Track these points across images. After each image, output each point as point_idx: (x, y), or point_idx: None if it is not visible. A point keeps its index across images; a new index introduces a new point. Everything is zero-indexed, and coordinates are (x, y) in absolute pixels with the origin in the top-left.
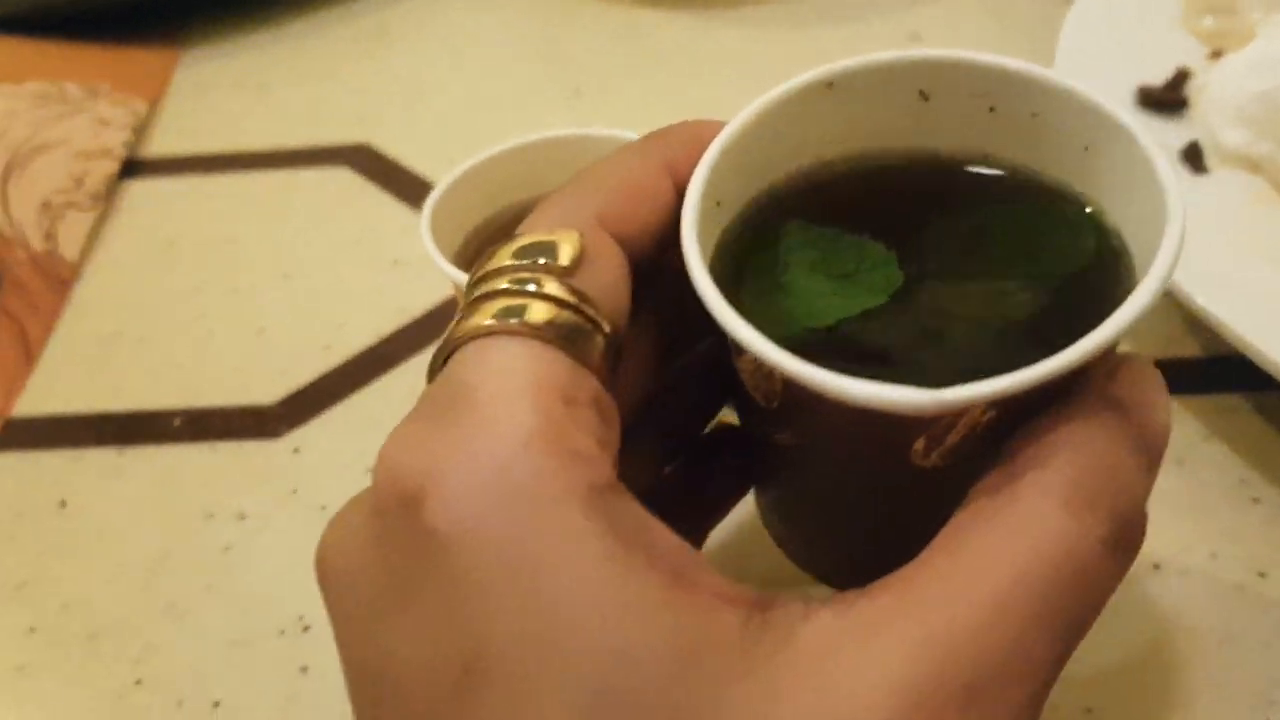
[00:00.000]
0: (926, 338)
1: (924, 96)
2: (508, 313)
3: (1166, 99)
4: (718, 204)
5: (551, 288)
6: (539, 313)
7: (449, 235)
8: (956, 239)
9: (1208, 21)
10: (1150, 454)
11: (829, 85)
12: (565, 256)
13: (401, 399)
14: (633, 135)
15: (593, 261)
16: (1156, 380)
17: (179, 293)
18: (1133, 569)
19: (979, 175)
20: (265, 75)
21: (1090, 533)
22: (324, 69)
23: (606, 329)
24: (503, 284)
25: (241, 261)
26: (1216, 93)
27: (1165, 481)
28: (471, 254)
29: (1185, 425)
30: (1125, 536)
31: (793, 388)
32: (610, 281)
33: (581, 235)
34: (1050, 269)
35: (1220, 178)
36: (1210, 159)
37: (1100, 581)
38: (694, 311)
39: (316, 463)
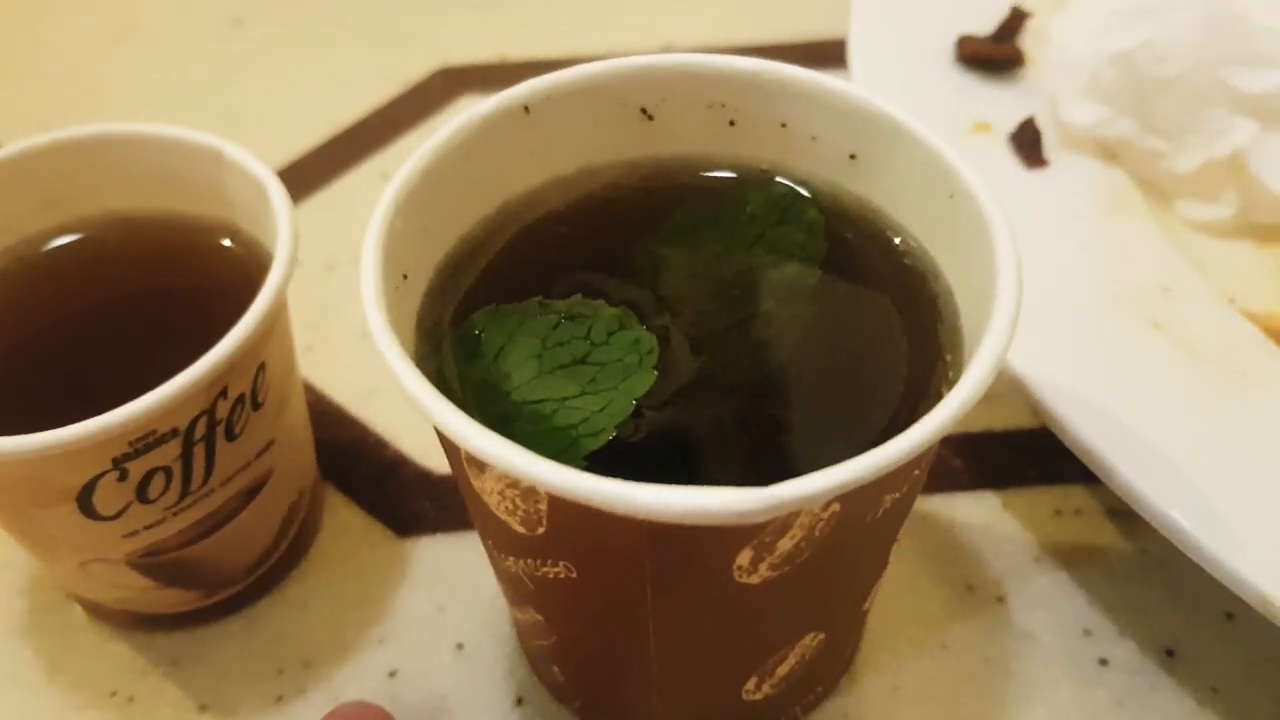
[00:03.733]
0: (721, 411)
1: (647, 115)
2: None
3: (994, 55)
4: (405, 277)
5: None
6: None
7: None
8: (691, 263)
9: None
10: None
11: (525, 109)
12: None
13: None
14: (209, 139)
15: None
16: None
17: None
18: None
19: (707, 182)
20: None
21: None
22: None
23: None
24: None
25: None
26: (1060, 52)
27: (980, 635)
28: None
29: (1016, 537)
30: None
31: (564, 509)
32: None
33: None
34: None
35: (1064, 171)
36: (1051, 143)
37: None
38: None
39: None
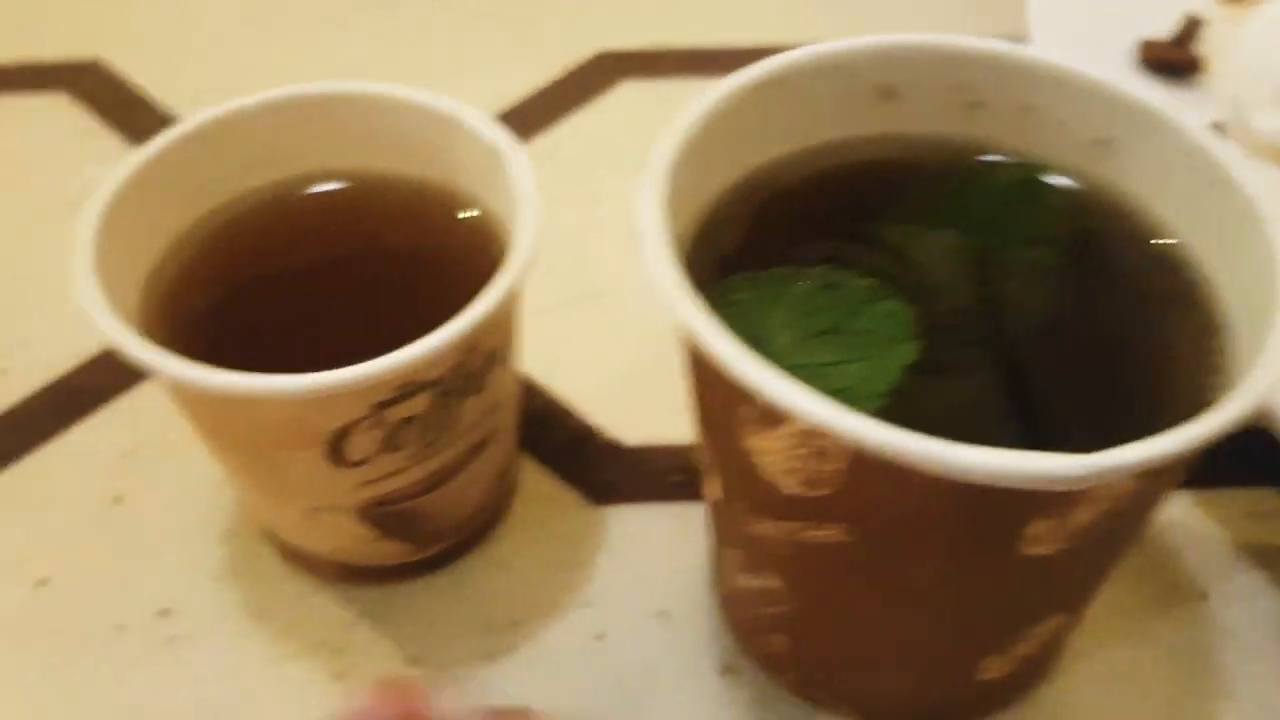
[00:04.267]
0: (979, 384)
1: (890, 94)
2: None
3: (1180, 60)
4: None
5: None
6: None
7: (137, 246)
8: (943, 234)
9: None
10: None
11: (775, 83)
12: None
13: (104, 463)
14: (425, 96)
15: None
16: None
17: None
18: None
19: (949, 161)
20: None
21: None
22: None
23: None
24: None
25: None
26: (1246, 59)
27: (1182, 630)
28: (174, 278)
29: (1212, 536)
30: None
31: (862, 468)
32: None
33: None
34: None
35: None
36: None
37: None
38: None
39: None
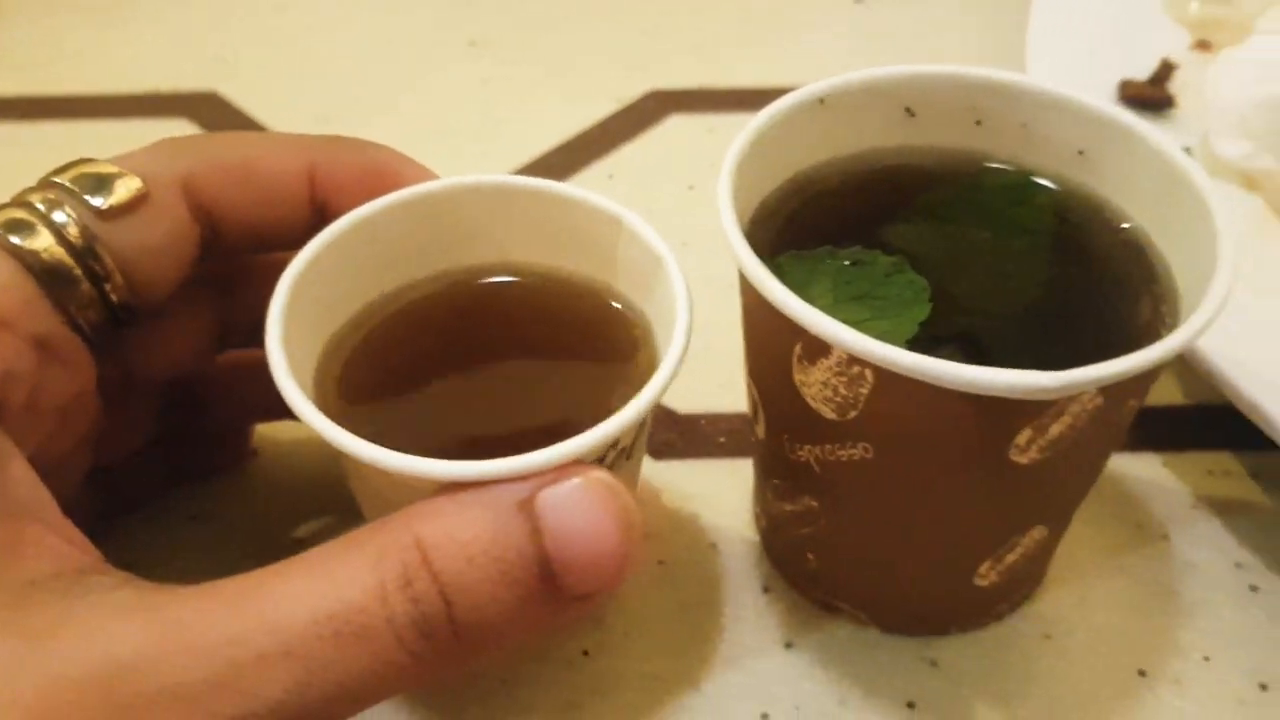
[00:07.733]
0: (978, 340)
1: (910, 113)
2: (12, 226)
3: (1153, 96)
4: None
5: (70, 225)
6: (37, 239)
7: (317, 320)
8: (946, 226)
9: (1194, 7)
10: (524, 588)
11: (820, 102)
12: (112, 198)
13: None
14: (597, 197)
15: (145, 217)
16: (594, 523)
17: None
18: (1116, 675)
19: (955, 168)
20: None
21: (387, 609)
22: None
23: (108, 286)
24: (37, 199)
25: None
26: (1214, 96)
27: (1149, 563)
28: (349, 354)
29: (1175, 489)
30: (434, 636)
31: (886, 390)
32: (155, 244)
33: (145, 184)
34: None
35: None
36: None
37: (377, 663)
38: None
39: None
